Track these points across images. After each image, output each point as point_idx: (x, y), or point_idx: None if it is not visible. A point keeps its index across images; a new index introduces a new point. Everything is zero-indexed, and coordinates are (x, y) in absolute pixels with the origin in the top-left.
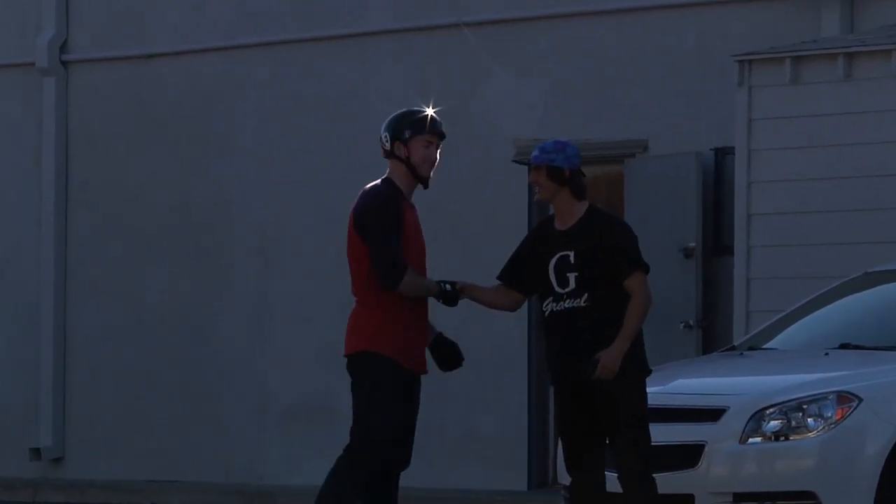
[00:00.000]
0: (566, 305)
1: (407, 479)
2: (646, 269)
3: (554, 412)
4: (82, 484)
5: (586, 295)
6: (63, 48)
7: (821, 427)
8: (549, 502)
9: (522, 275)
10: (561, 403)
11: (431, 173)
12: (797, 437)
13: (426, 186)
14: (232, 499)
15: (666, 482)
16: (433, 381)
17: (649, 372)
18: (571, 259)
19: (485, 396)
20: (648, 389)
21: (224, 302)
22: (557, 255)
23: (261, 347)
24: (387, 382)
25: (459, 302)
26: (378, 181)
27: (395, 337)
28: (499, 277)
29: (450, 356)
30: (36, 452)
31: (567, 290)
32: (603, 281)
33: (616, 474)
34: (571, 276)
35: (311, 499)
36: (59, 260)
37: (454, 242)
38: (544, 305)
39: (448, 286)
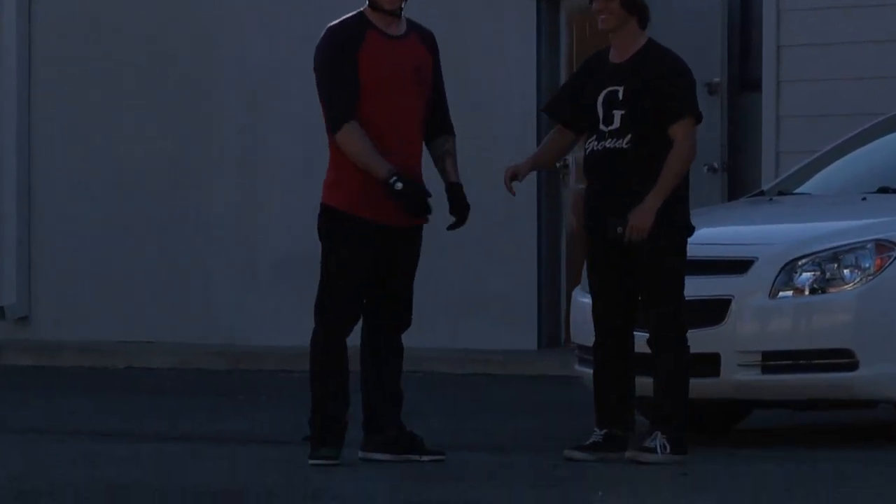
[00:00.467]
0: (607, 145)
1: (409, 339)
2: (698, 116)
3: (586, 265)
4: (52, 346)
5: (630, 136)
6: None
7: (858, 279)
8: (561, 362)
9: (571, 109)
10: (592, 256)
11: (398, 3)
12: (832, 289)
13: (396, 16)
14: (216, 360)
15: (689, 340)
16: (434, 233)
17: (692, 231)
18: (620, 95)
19: (492, 250)
20: None
21: (207, 153)
22: (607, 90)
23: (248, 204)
24: (337, 235)
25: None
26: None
27: (347, 189)
28: (544, 110)
29: (453, 210)
30: None
31: (611, 128)
32: (649, 122)
33: (646, 335)
34: (617, 114)
35: (301, 360)
36: (22, 104)
37: (456, 80)
38: (586, 144)
39: (399, 184)
